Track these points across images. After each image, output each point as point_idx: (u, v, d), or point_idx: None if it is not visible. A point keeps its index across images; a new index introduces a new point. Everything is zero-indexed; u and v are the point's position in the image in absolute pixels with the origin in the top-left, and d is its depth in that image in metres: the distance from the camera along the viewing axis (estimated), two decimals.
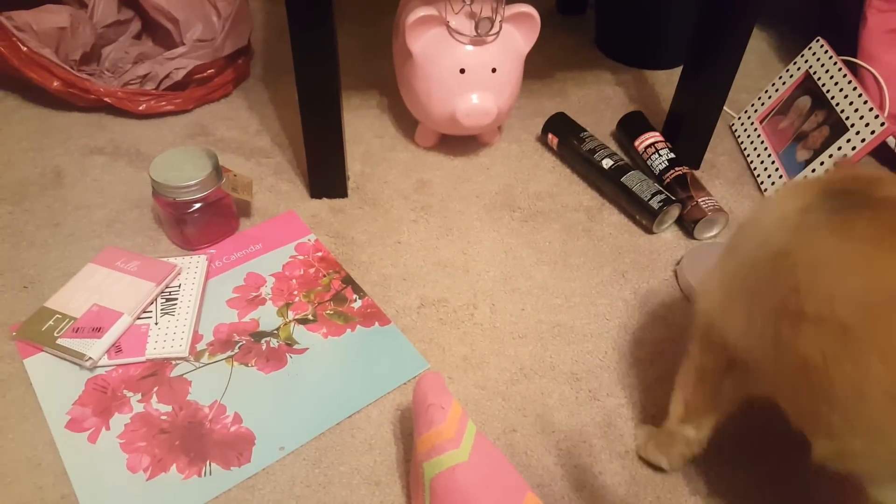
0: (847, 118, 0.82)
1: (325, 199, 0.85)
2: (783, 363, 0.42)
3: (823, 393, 0.40)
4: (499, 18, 0.81)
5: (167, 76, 0.96)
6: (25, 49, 0.89)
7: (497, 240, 0.81)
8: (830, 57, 0.88)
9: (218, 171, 0.74)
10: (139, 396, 0.62)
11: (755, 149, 0.94)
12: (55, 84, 0.91)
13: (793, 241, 0.42)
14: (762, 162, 0.92)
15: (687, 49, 0.86)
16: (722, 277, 0.49)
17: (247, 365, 0.65)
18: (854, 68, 0.93)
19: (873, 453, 0.40)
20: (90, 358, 0.63)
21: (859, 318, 0.38)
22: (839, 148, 0.81)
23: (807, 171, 0.84)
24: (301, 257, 0.76)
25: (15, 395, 0.62)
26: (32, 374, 0.63)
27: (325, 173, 0.83)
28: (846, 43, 0.95)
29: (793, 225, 0.43)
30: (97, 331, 0.64)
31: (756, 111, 0.98)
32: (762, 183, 0.90)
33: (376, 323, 0.70)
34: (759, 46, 1.20)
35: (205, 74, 0.98)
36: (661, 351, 0.69)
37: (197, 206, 0.73)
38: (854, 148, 0.80)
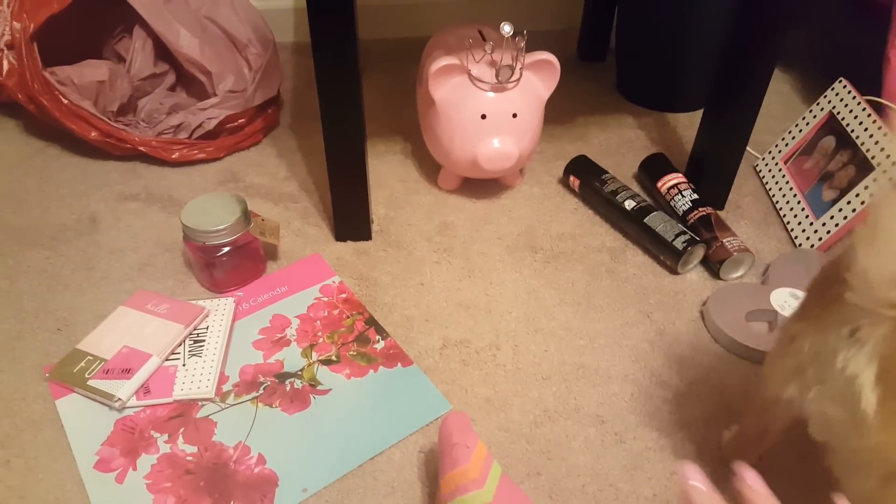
0: (873, 157, 0.82)
1: (349, 242, 0.86)
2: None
3: None
4: (519, 66, 0.83)
5: (199, 126, 0.99)
6: (66, 102, 0.94)
7: (519, 281, 0.81)
8: (854, 97, 0.88)
9: (246, 215, 0.76)
10: (166, 437, 0.62)
11: (780, 189, 0.94)
12: (93, 134, 0.95)
13: None
14: (788, 202, 0.91)
15: (708, 91, 0.87)
16: None
17: (271, 406, 0.65)
18: (878, 107, 0.93)
19: None
20: (119, 399, 0.64)
21: None
22: (866, 187, 0.81)
23: (833, 211, 0.83)
24: (325, 299, 0.77)
25: (46, 435, 0.63)
26: (64, 415, 0.64)
27: (350, 217, 0.85)
28: (869, 83, 0.95)
29: None
30: (126, 372, 0.66)
31: (780, 151, 0.98)
32: (788, 223, 0.90)
33: (399, 364, 0.70)
34: (781, 88, 1.21)
35: (236, 124, 1.02)
36: (689, 393, 0.68)
37: (226, 249, 0.75)
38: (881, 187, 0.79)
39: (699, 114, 0.92)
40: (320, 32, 0.70)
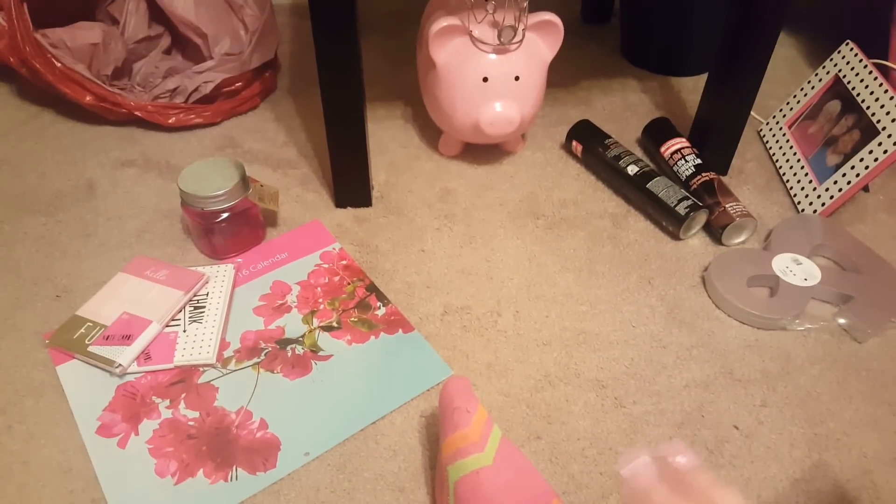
0: (878, 121, 0.81)
1: (349, 209, 0.85)
2: None
3: None
4: (521, 27, 0.81)
5: (196, 90, 0.98)
6: (59, 65, 0.92)
7: (521, 247, 0.81)
8: (860, 60, 0.87)
9: (245, 181, 0.75)
10: (167, 403, 0.62)
11: (784, 154, 0.93)
12: (88, 98, 0.94)
13: None
14: (791, 167, 0.90)
15: (714, 55, 0.86)
16: None
17: (272, 372, 0.66)
18: (885, 71, 0.92)
19: None
20: (120, 365, 0.64)
21: None
22: (870, 152, 0.80)
23: (837, 176, 0.82)
24: (326, 266, 0.77)
25: (47, 401, 0.63)
26: (64, 381, 0.64)
27: (350, 183, 0.84)
28: (876, 46, 0.93)
29: None
30: (127, 338, 0.66)
31: (784, 116, 0.96)
32: (791, 188, 0.89)
33: (400, 330, 0.70)
34: (786, 52, 1.19)
35: (233, 88, 1.00)
36: (689, 357, 0.68)
37: (224, 216, 0.74)
38: (886, 151, 0.78)
39: (704, 78, 0.91)
40: None
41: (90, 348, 0.65)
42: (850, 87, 0.87)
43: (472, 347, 0.69)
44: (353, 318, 0.71)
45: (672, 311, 0.73)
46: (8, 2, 0.88)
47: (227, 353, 0.67)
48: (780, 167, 0.92)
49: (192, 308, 0.70)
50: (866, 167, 0.80)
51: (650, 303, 0.74)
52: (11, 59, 0.92)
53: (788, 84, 1.08)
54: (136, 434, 0.60)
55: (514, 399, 0.64)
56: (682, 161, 0.87)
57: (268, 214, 0.83)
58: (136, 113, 0.95)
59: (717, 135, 0.89)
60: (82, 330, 0.67)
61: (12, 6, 0.88)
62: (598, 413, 0.63)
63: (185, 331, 0.68)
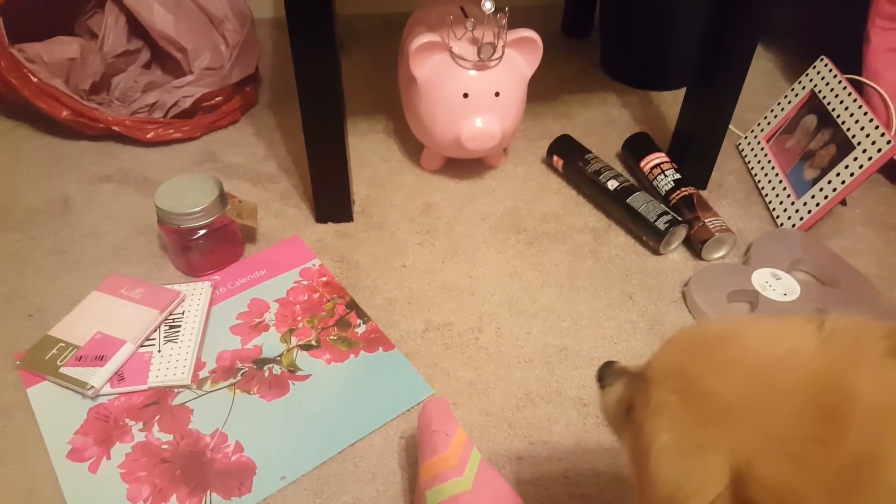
0: (853, 136, 0.81)
1: (330, 224, 0.85)
2: None
3: None
4: (501, 44, 0.81)
5: (175, 104, 0.97)
6: (36, 80, 0.91)
7: (503, 262, 0.80)
8: (835, 76, 0.88)
9: (223, 197, 0.74)
10: (141, 425, 0.61)
11: (762, 168, 0.94)
12: (64, 113, 0.92)
13: None
14: (770, 181, 0.91)
15: (692, 69, 0.86)
16: None
17: (249, 392, 0.64)
18: (859, 87, 0.93)
19: None
20: (92, 387, 0.62)
21: None
22: (846, 166, 0.81)
23: (815, 190, 0.83)
24: (305, 282, 0.76)
25: (17, 424, 0.62)
26: (35, 404, 0.63)
27: (331, 198, 0.83)
28: (851, 61, 0.95)
29: None
30: (100, 359, 0.64)
31: (762, 130, 0.97)
32: (770, 203, 0.89)
33: (380, 348, 0.69)
34: (763, 65, 1.20)
35: (213, 102, 0.99)
36: None
37: (201, 232, 0.73)
38: (861, 166, 0.79)
39: (683, 92, 0.91)
40: (296, 7, 0.68)
41: (62, 370, 0.64)
42: (825, 101, 0.88)
43: (453, 365, 0.68)
44: (332, 337, 0.70)
45: (653, 326, 0.73)
46: None
47: (202, 374, 0.66)
48: (759, 181, 0.93)
49: (168, 327, 0.69)
50: (843, 182, 0.80)
51: (631, 318, 0.74)
52: None
53: (766, 97, 1.09)
54: (108, 458, 0.59)
55: (495, 418, 0.64)
56: (662, 176, 0.87)
57: (246, 230, 0.82)
58: (114, 128, 0.94)
59: (697, 148, 0.89)
60: (54, 350, 0.65)
61: None
62: (579, 432, 0.63)
63: (159, 351, 0.67)
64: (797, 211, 0.85)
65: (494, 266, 0.80)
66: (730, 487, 0.30)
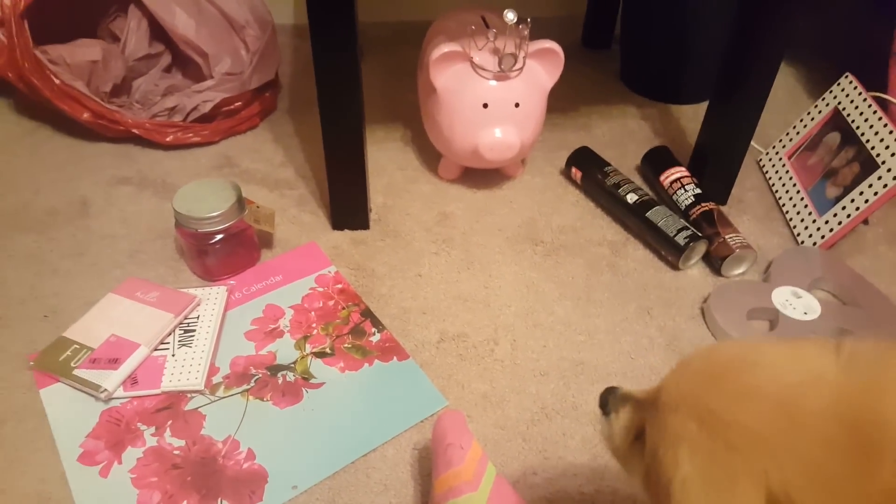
0: (878, 155, 0.80)
1: (346, 231, 0.84)
2: None
3: None
4: (522, 54, 0.81)
5: (195, 108, 0.97)
6: (58, 82, 0.91)
7: (519, 274, 0.80)
8: (860, 93, 0.87)
9: (241, 202, 0.74)
10: (153, 430, 0.61)
11: (784, 185, 0.92)
12: (85, 115, 0.93)
13: None
14: (791, 199, 0.90)
15: (714, 83, 0.85)
16: None
17: (262, 399, 0.64)
18: (884, 104, 0.91)
19: None
20: (105, 389, 0.62)
21: None
22: (870, 185, 0.79)
23: (837, 209, 0.82)
24: (321, 289, 0.76)
25: (29, 426, 0.62)
26: (48, 405, 0.63)
27: (348, 205, 0.83)
28: (875, 78, 0.93)
29: None
30: (114, 362, 0.64)
31: (784, 147, 0.96)
32: (791, 220, 0.88)
33: (394, 358, 0.69)
34: (787, 81, 1.19)
35: (232, 107, 0.99)
36: None
37: (219, 237, 0.73)
38: (886, 186, 0.78)
39: (704, 106, 0.90)
40: (318, 14, 0.68)
41: (76, 371, 0.63)
42: (849, 119, 0.87)
43: (467, 377, 0.68)
44: (346, 345, 0.70)
45: (671, 342, 0.72)
46: (9, 18, 0.88)
47: (216, 379, 0.66)
48: (780, 198, 0.92)
49: (182, 331, 0.69)
50: (866, 201, 0.79)
51: (649, 333, 0.73)
52: (10, 75, 0.92)
53: (788, 114, 1.07)
54: (120, 462, 0.58)
55: (509, 432, 0.63)
56: (682, 190, 0.87)
57: (263, 236, 0.82)
58: (134, 130, 0.94)
59: (717, 164, 0.88)
60: (68, 352, 0.65)
61: (13, 22, 0.88)
62: (595, 448, 0.62)
63: (173, 355, 0.67)
64: (818, 229, 0.83)
65: (510, 277, 0.79)
66: None
